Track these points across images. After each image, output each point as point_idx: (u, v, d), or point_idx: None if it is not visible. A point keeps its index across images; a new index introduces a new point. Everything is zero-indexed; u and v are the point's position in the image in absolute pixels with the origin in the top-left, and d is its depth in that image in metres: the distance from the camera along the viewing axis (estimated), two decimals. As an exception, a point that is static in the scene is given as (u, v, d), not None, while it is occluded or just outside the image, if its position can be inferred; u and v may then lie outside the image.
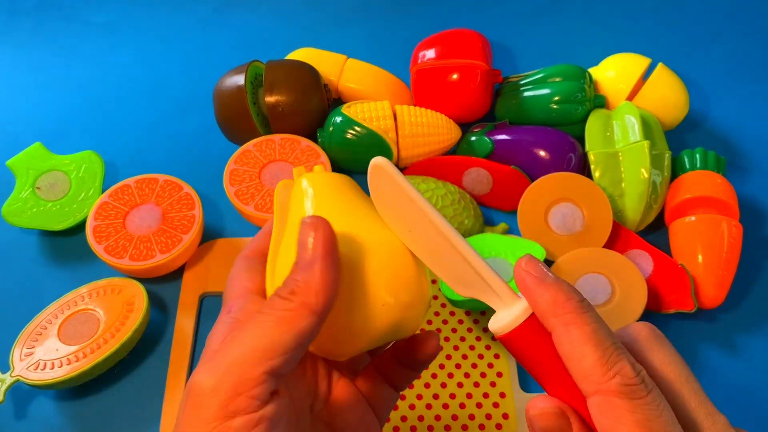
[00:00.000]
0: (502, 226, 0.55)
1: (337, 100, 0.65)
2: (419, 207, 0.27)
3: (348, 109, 0.56)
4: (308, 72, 0.58)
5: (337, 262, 0.25)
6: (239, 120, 0.56)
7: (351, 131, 0.56)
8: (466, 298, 0.46)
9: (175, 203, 0.53)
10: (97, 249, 0.49)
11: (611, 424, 0.23)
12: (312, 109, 0.57)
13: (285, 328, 0.24)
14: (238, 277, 0.30)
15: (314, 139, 0.58)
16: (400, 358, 0.31)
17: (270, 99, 0.56)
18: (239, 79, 0.56)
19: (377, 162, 0.27)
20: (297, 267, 0.25)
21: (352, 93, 0.63)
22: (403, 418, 0.45)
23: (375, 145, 0.56)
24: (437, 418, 0.45)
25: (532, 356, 0.26)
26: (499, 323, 0.26)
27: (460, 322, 0.49)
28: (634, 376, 0.23)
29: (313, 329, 0.25)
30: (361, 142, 0.56)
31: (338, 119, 0.56)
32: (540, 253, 0.48)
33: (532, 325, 0.25)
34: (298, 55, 0.64)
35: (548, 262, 0.52)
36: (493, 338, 0.48)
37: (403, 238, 0.28)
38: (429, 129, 0.56)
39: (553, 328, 0.24)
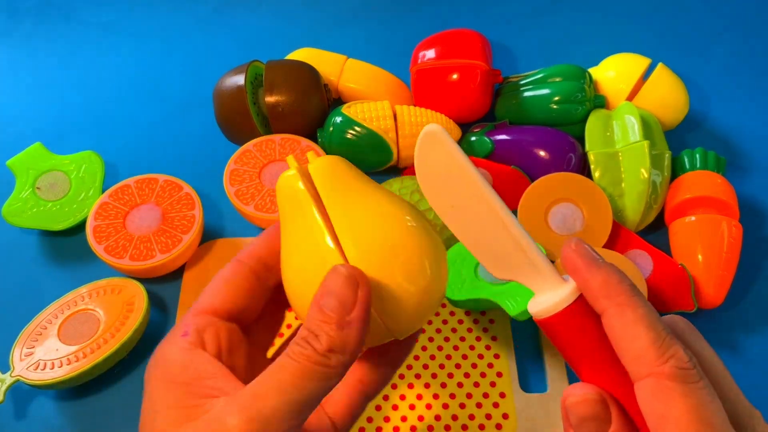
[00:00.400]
0: (502, 226, 0.55)
1: (337, 100, 0.65)
2: (472, 178, 0.26)
3: (348, 109, 0.56)
4: (308, 72, 0.58)
5: (369, 318, 0.25)
6: (239, 120, 0.56)
7: (351, 131, 0.56)
8: (466, 298, 0.46)
9: (175, 203, 0.53)
10: (97, 249, 0.49)
11: (663, 408, 0.22)
12: (312, 109, 0.57)
13: (322, 384, 0.24)
14: (215, 288, 0.28)
15: (314, 139, 0.58)
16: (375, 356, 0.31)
17: (270, 99, 0.56)
18: (239, 79, 0.56)
19: (431, 129, 0.26)
20: (334, 323, 0.24)
21: (352, 93, 0.63)
22: (403, 418, 0.45)
23: (375, 145, 0.56)
24: (437, 418, 0.45)
25: (575, 340, 0.25)
26: (542, 305, 0.25)
27: (460, 322, 0.49)
28: (687, 360, 0.23)
29: (339, 381, 0.25)
30: (361, 142, 0.56)
31: (338, 119, 0.56)
32: None
33: (579, 308, 0.25)
34: (298, 55, 0.64)
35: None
36: (494, 338, 0.48)
37: (443, 213, 0.27)
38: (429, 129, 0.56)
39: (605, 310, 0.24)
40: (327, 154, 0.56)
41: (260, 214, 0.52)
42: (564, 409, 0.25)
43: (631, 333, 0.23)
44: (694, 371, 0.23)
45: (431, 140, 0.26)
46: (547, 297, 0.26)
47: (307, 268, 0.27)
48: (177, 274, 0.53)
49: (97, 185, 0.55)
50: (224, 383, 0.25)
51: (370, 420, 0.45)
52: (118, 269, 0.50)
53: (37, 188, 0.54)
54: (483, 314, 0.50)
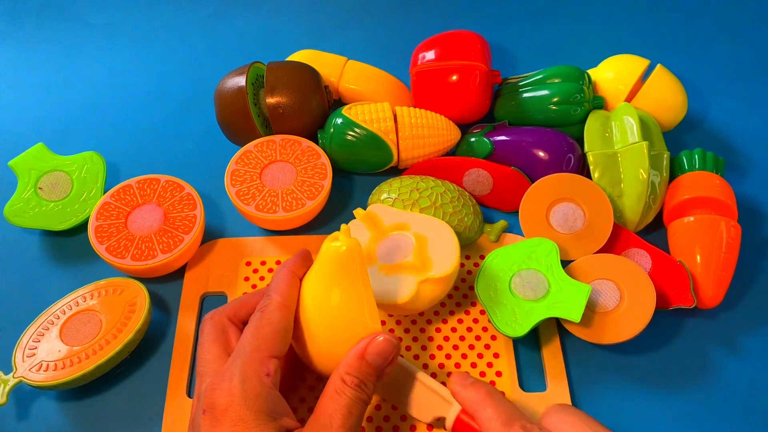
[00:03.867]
0: (502, 223, 0.55)
1: (337, 102, 0.65)
2: (401, 364, 0.41)
3: (348, 111, 0.57)
4: (309, 73, 0.58)
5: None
6: (240, 121, 0.56)
7: (351, 133, 0.56)
8: (528, 330, 0.46)
9: (177, 203, 0.53)
10: (99, 249, 0.50)
11: None
12: (313, 111, 0.57)
13: (365, 408, 0.38)
14: (277, 333, 0.37)
15: (315, 140, 0.58)
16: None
17: (271, 100, 0.56)
18: (240, 81, 0.56)
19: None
20: (375, 374, 0.38)
21: (353, 94, 0.63)
22: (403, 418, 0.45)
23: (375, 146, 0.56)
24: (437, 417, 0.45)
25: None
26: (447, 423, 0.40)
27: (460, 321, 0.50)
28: (521, 430, 0.35)
29: None
30: (362, 143, 0.56)
31: (339, 121, 0.56)
32: (554, 250, 0.48)
33: (466, 416, 0.39)
34: (299, 56, 0.64)
35: (564, 261, 0.51)
36: (493, 338, 0.49)
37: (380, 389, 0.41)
38: (429, 130, 0.57)
39: (474, 413, 0.38)
40: (328, 155, 0.56)
41: (261, 215, 0.52)
42: None
43: (488, 426, 0.36)
44: None
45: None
46: (449, 417, 0.40)
47: (347, 328, 0.38)
48: (178, 274, 0.53)
49: (98, 185, 0.55)
50: (294, 420, 0.36)
51: (370, 420, 0.45)
52: (119, 269, 0.50)
53: (39, 188, 0.55)
54: (482, 313, 0.50)
